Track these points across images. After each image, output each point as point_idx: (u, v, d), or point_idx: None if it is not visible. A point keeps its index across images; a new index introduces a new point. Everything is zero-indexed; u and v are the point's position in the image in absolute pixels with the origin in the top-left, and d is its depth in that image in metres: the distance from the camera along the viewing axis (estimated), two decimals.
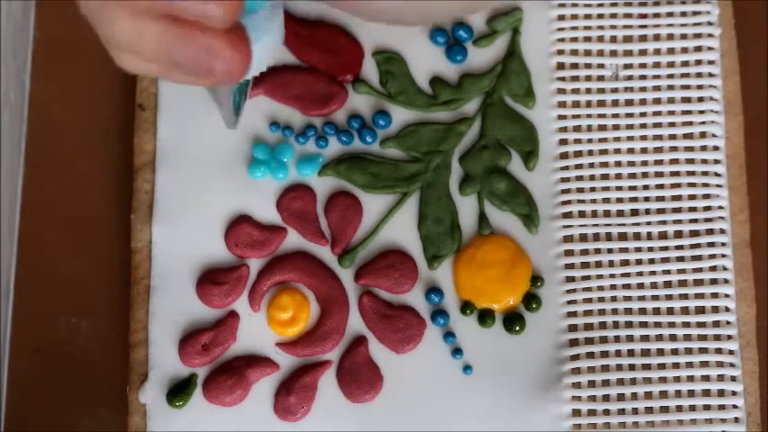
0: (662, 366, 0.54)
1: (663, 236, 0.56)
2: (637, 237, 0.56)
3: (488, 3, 0.36)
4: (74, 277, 0.57)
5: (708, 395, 0.54)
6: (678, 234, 0.56)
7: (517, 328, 0.55)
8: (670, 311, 0.55)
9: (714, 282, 0.56)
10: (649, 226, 0.56)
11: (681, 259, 0.56)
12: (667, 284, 0.55)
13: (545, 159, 0.57)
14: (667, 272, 0.56)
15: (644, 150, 0.57)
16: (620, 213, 0.56)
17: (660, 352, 0.55)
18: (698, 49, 0.58)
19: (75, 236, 0.58)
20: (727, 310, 0.55)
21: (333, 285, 0.56)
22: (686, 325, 0.55)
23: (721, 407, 0.54)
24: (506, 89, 0.58)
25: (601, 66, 0.58)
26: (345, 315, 0.55)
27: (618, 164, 0.57)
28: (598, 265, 0.56)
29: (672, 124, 0.57)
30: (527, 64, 0.58)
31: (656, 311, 0.55)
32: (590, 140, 0.57)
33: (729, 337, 0.55)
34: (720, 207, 0.56)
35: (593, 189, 0.57)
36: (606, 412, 0.54)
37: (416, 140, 0.57)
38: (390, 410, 0.54)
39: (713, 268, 0.56)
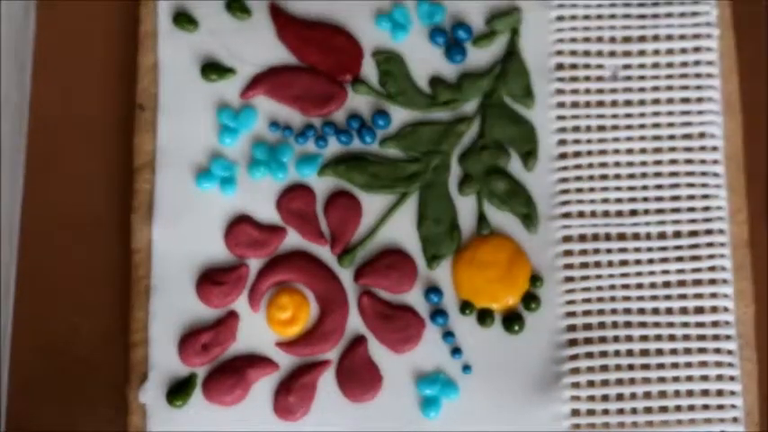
0: (661, 366, 0.55)
1: (662, 236, 0.56)
2: (636, 237, 0.56)
3: None
4: (74, 277, 0.57)
5: (706, 395, 0.54)
6: (677, 234, 0.56)
7: (516, 327, 0.55)
8: (669, 311, 0.55)
9: (713, 282, 0.56)
10: (648, 226, 0.56)
11: (680, 259, 0.56)
12: (666, 284, 0.56)
13: (544, 159, 0.57)
14: (666, 272, 0.56)
15: (643, 151, 0.57)
16: (620, 213, 0.56)
17: (659, 352, 0.55)
18: (697, 49, 0.58)
19: (75, 236, 0.58)
20: (726, 310, 0.55)
21: (332, 285, 0.56)
22: (685, 325, 0.55)
23: (720, 407, 0.54)
24: (506, 89, 0.58)
25: (600, 66, 0.58)
26: (345, 315, 0.55)
27: (617, 164, 0.57)
28: (597, 265, 0.56)
29: (671, 125, 0.57)
30: (526, 64, 0.58)
31: (655, 311, 0.55)
32: (589, 140, 0.57)
33: (728, 336, 0.55)
34: (719, 207, 0.56)
35: (592, 189, 0.57)
36: (605, 412, 0.54)
37: (416, 140, 0.57)
38: (390, 410, 0.54)
39: (712, 268, 0.56)
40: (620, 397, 0.54)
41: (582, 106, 0.58)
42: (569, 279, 0.56)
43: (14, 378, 0.57)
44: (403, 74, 0.58)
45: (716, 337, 0.55)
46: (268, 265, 0.56)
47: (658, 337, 0.55)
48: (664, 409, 0.54)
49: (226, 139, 0.57)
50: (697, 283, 0.56)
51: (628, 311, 0.55)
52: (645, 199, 0.57)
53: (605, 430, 0.54)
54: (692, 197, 0.56)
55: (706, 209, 0.56)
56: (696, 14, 0.58)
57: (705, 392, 0.54)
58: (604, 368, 0.55)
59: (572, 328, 0.55)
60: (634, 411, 0.54)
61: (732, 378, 0.55)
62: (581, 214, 0.56)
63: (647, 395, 0.54)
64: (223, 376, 0.54)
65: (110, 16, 0.60)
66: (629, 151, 0.57)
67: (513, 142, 0.57)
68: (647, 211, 0.56)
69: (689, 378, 0.55)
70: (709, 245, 0.56)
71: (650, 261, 0.56)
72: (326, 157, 0.57)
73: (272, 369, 0.55)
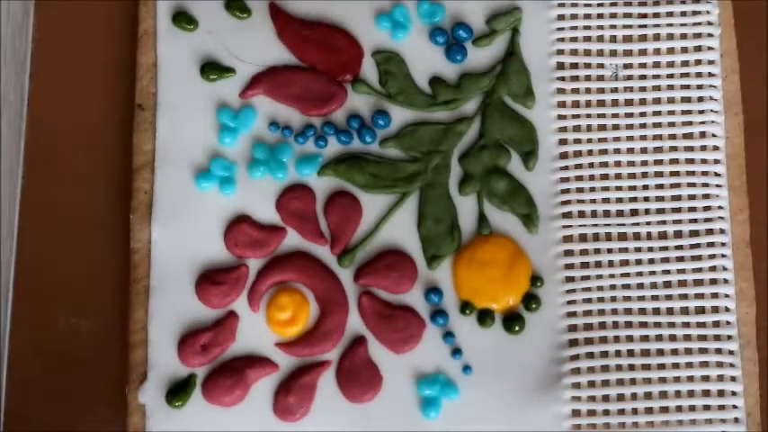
0: (662, 366, 0.54)
1: (662, 236, 0.56)
2: (636, 237, 0.56)
3: None
4: (73, 277, 0.57)
5: (708, 395, 0.54)
6: (678, 234, 0.56)
7: (517, 328, 0.55)
8: (670, 311, 0.55)
9: (714, 282, 0.56)
10: (649, 226, 0.56)
11: (680, 259, 0.56)
12: (667, 284, 0.55)
13: (545, 159, 0.57)
14: (667, 272, 0.56)
15: (644, 150, 0.57)
16: (620, 213, 0.56)
17: (660, 352, 0.55)
18: (698, 48, 0.58)
19: (74, 236, 0.58)
20: (727, 310, 0.55)
21: (332, 285, 0.56)
22: (686, 325, 0.55)
23: (721, 407, 0.54)
24: (506, 89, 0.58)
25: (601, 66, 0.58)
26: (345, 315, 0.55)
27: (618, 164, 0.57)
28: (598, 265, 0.56)
29: (672, 124, 0.57)
30: (527, 64, 0.58)
31: (656, 311, 0.55)
32: (590, 140, 0.57)
33: (729, 337, 0.55)
34: (720, 207, 0.56)
35: (592, 189, 0.57)
36: (606, 412, 0.54)
37: (416, 140, 0.57)
38: (389, 410, 0.54)
39: (713, 268, 0.56)
40: (620, 397, 0.54)
41: (582, 106, 0.58)
42: (570, 279, 0.56)
43: (13, 378, 0.56)
44: (403, 73, 0.58)
45: (717, 338, 0.55)
46: (268, 266, 0.56)
47: (659, 338, 0.55)
48: (665, 410, 0.54)
49: (225, 139, 0.57)
50: (698, 283, 0.56)
51: (628, 311, 0.55)
52: (645, 199, 0.56)
53: (606, 431, 0.54)
54: (692, 197, 0.56)
55: (707, 208, 0.56)
56: (697, 14, 0.58)
57: (706, 393, 0.54)
58: (605, 368, 0.55)
59: (572, 328, 0.55)
60: (635, 412, 0.54)
61: (733, 378, 0.54)
62: (581, 214, 0.56)
63: (648, 395, 0.54)
64: (222, 377, 0.54)
65: (109, 16, 0.60)
66: (630, 151, 0.57)
67: (513, 142, 0.57)
68: (647, 211, 0.56)
69: (690, 378, 0.55)
70: (710, 245, 0.56)
71: (651, 261, 0.56)
72: (326, 156, 0.57)
73: (272, 369, 0.55)
